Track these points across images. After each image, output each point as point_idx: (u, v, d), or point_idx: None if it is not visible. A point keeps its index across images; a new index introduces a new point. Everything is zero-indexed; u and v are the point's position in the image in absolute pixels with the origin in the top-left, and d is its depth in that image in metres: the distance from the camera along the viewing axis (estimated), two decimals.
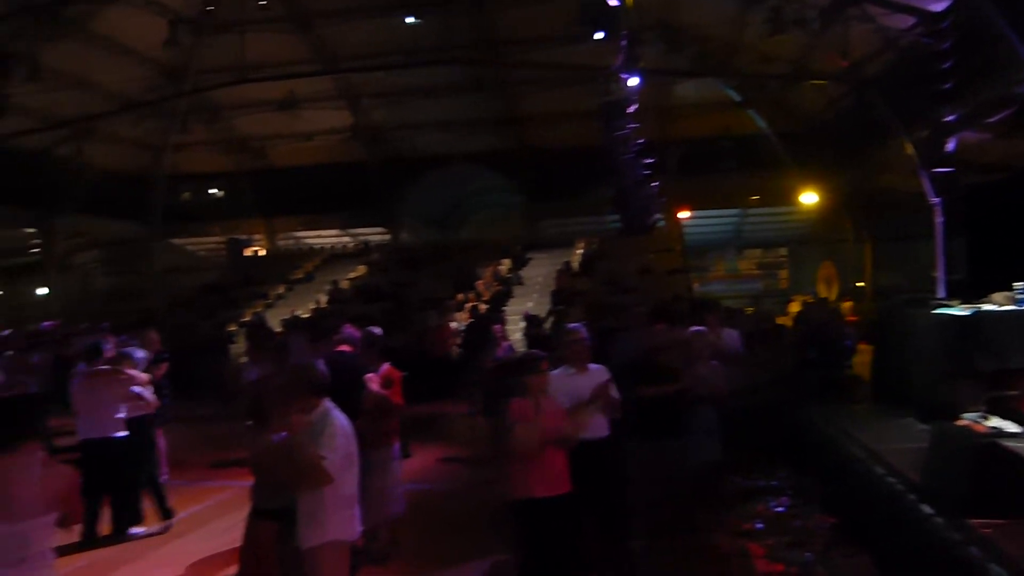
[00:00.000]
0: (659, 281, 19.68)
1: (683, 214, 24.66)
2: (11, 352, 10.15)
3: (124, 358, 7.25)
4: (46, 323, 14.00)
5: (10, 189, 23.75)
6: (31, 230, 27.50)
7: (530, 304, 19.23)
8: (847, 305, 19.84)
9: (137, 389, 7.20)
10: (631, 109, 13.72)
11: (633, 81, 14.43)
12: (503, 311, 18.12)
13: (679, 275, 21.05)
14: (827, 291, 24.97)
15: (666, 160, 15.47)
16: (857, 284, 24.83)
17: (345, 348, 7.59)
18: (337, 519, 4.06)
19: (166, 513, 7.42)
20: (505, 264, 23.44)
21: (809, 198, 23.17)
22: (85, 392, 7.02)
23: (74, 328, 14.51)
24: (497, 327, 12.32)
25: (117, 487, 7.05)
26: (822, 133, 22.07)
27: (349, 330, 8.16)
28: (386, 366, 6.54)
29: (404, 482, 6.73)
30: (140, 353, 7.45)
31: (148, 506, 7.40)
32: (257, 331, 9.73)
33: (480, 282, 21.41)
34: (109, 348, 7.39)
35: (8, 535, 3.28)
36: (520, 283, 22.01)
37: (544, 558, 4.83)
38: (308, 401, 4.16)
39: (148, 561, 6.53)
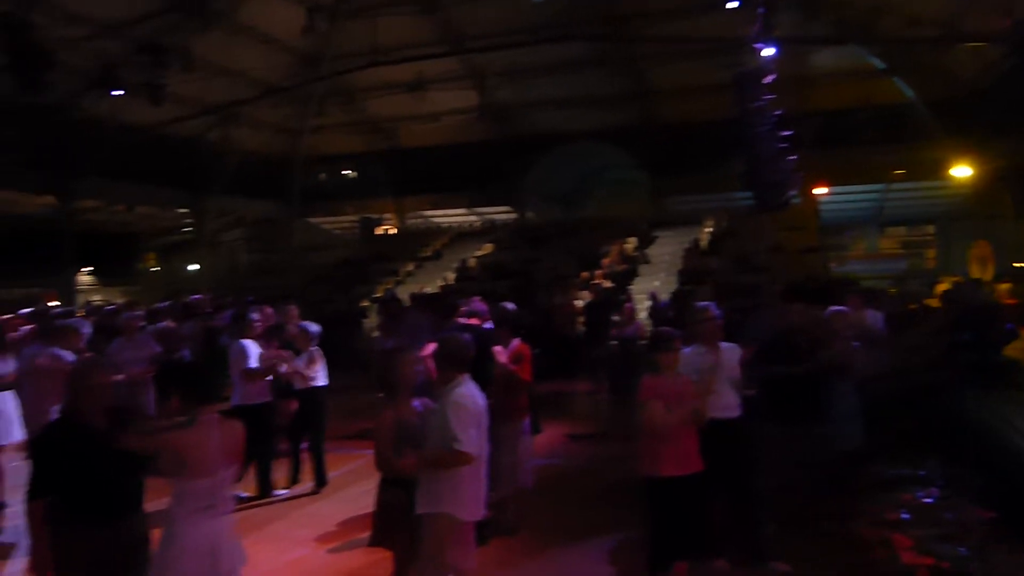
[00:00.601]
0: (792, 260, 18.91)
1: (819, 190, 23.48)
2: (166, 323, 10.87)
3: (303, 332, 7.67)
4: (195, 296, 14.93)
5: (166, 172, 25.60)
6: (184, 210, 29.49)
7: (656, 283, 18.91)
8: (1004, 287, 18.39)
9: (300, 362, 7.60)
10: (767, 80, 13.12)
11: (769, 51, 13.80)
12: (629, 290, 17.93)
13: (814, 254, 20.13)
14: (981, 271, 23.18)
15: (802, 133, 14.70)
16: (1016, 265, 22.94)
17: (473, 321, 7.74)
18: (454, 494, 4.12)
19: (321, 480, 7.81)
20: (631, 242, 23.14)
21: (961, 171, 21.49)
22: (237, 362, 7.42)
23: (221, 301, 15.42)
24: (628, 305, 12.21)
25: (263, 452, 7.48)
26: (978, 100, 20.40)
27: (478, 304, 8.30)
28: (516, 342, 6.59)
29: (533, 457, 6.81)
30: (315, 327, 7.86)
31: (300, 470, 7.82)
32: (388, 306, 10.04)
33: (605, 260, 21.24)
34: (256, 319, 7.81)
35: (201, 487, 3.79)
36: (646, 261, 21.68)
37: (672, 537, 4.77)
38: (449, 374, 4.26)
39: (290, 520, 6.91)
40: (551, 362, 10.97)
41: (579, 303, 16.55)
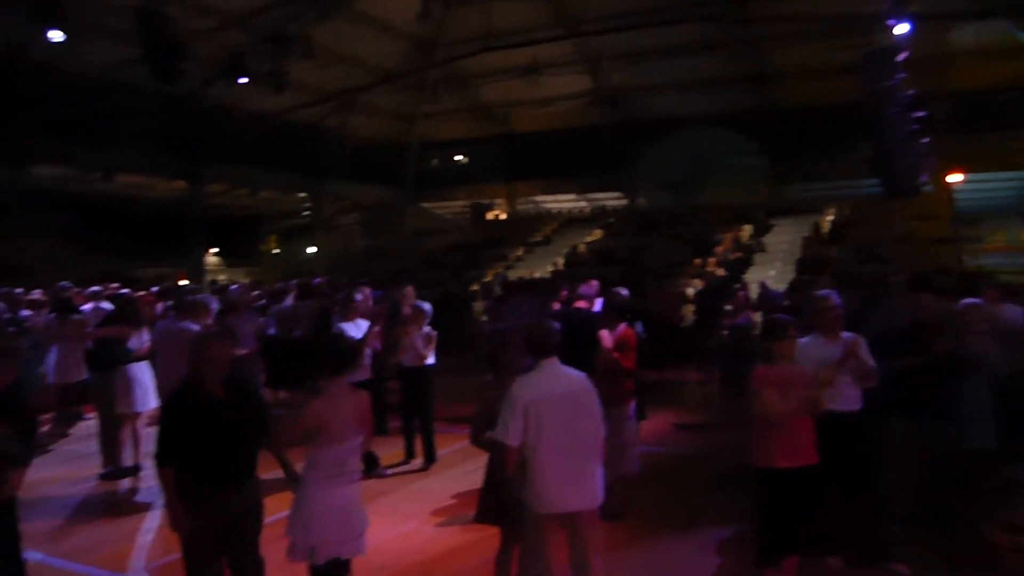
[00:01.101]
0: (921, 250, 17.86)
1: (954, 176, 22.03)
2: (288, 303, 11.37)
3: (419, 312, 7.88)
4: (316, 279, 15.55)
5: (287, 158, 26.69)
6: (303, 195, 30.69)
7: (772, 272, 18.27)
8: None
9: (418, 340, 7.80)
10: (900, 58, 12.36)
11: (902, 27, 13.00)
12: (743, 279, 17.42)
13: (946, 245, 18.94)
14: None
15: (937, 115, 13.76)
16: None
17: (581, 304, 7.69)
18: (528, 485, 4.12)
19: (430, 456, 7.98)
20: (746, 230, 22.47)
21: None
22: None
23: (337, 283, 15.96)
24: (742, 294, 11.87)
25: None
26: None
27: (587, 288, 8.25)
28: (622, 327, 6.49)
29: (639, 444, 6.71)
30: (428, 306, 8.08)
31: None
32: (496, 290, 10.16)
33: (719, 248, 20.70)
34: (360, 298, 8.06)
35: (333, 454, 4.08)
36: (762, 250, 21.00)
37: (784, 531, 4.59)
38: (530, 359, 4.26)
39: (399, 495, 7.08)
40: (659, 350, 10.79)
41: (690, 291, 16.21)
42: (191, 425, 4.06)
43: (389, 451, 8.04)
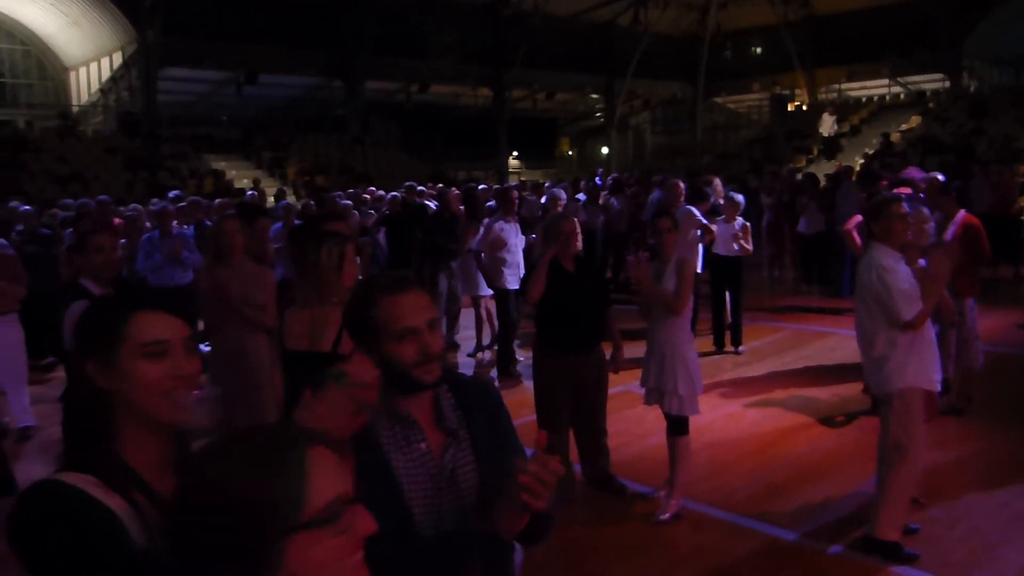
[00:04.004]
0: None
1: None
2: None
3: (732, 201, 8.03)
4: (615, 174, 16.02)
5: (582, 58, 27.22)
6: (596, 96, 31.15)
7: None
8: None
9: (738, 229, 7.96)
10: None
11: None
12: None
13: None
14: None
15: None
16: None
17: (904, 191, 7.29)
18: (914, 365, 3.84)
19: (737, 341, 8.22)
20: None
21: None
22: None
23: (642, 178, 16.30)
24: None
25: None
26: None
27: (913, 171, 7.77)
28: (962, 213, 6.09)
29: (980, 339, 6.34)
30: (741, 197, 8.20)
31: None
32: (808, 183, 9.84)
33: None
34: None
35: (686, 319, 4.53)
36: None
37: None
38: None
39: (717, 379, 7.34)
40: (994, 245, 9.81)
41: None
42: (548, 297, 4.66)
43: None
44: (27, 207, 8.41)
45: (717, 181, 9.31)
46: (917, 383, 3.86)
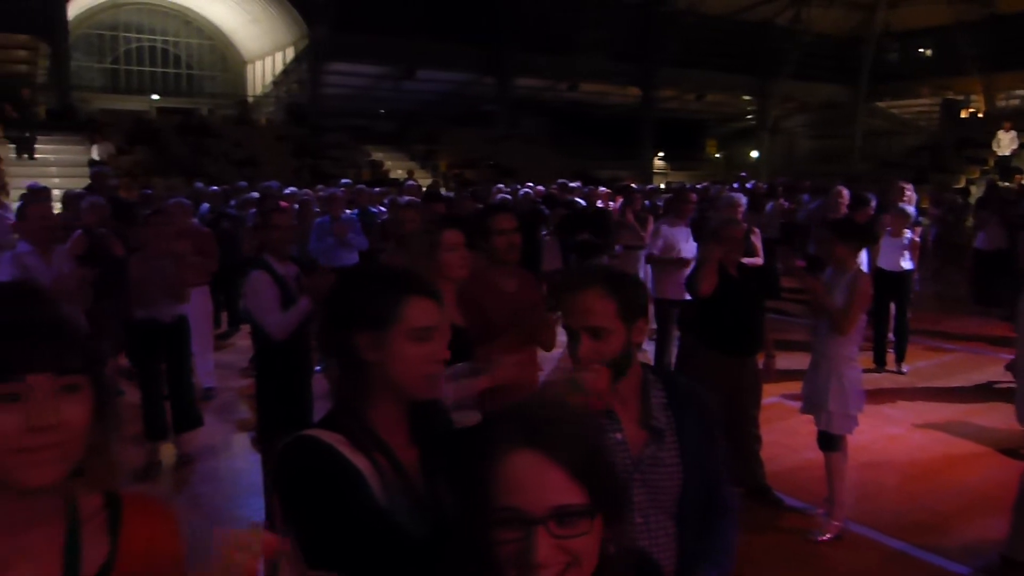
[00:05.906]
0: None
1: None
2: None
3: (901, 214, 7.62)
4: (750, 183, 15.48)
5: (735, 59, 26.50)
6: (748, 98, 30.23)
7: None
8: None
9: (907, 240, 7.58)
10: None
11: None
12: None
13: None
14: None
15: None
16: None
17: None
18: None
19: (900, 357, 7.80)
20: None
21: None
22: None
23: (792, 184, 15.72)
24: None
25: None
26: None
27: None
28: None
29: None
30: (912, 209, 7.83)
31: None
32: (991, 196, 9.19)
33: None
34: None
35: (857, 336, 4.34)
36: None
37: None
38: None
39: (878, 398, 6.94)
40: None
41: None
42: (713, 298, 4.65)
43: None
44: (214, 187, 9.12)
45: (910, 189, 8.79)
46: None
